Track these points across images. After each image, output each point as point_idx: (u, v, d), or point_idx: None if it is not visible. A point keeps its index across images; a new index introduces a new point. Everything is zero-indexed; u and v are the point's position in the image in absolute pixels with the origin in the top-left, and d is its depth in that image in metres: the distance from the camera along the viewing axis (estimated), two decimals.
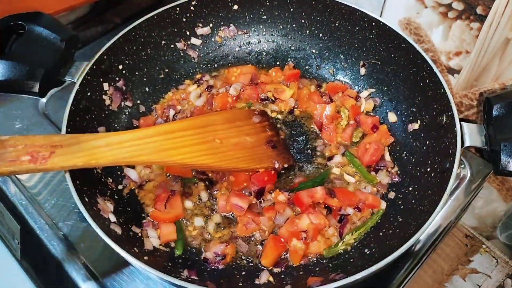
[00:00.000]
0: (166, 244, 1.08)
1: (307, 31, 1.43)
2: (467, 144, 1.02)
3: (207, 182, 1.19)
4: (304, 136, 1.31)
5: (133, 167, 1.19)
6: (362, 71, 1.38)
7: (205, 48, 1.45)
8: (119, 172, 1.18)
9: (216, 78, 1.43)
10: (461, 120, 1.04)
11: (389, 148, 1.26)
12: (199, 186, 1.19)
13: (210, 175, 1.20)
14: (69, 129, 1.05)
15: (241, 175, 1.17)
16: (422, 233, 0.92)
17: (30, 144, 0.84)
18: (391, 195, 1.17)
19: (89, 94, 1.17)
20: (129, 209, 1.12)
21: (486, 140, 1.03)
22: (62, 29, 1.17)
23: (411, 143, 1.22)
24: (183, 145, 1.03)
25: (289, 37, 1.46)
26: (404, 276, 1.11)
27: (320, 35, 1.42)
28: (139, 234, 1.07)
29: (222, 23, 1.44)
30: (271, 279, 1.02)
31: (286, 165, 1.18)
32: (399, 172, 1.21)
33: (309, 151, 1.28)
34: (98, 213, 0.99)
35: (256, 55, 1.49)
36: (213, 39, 1.46)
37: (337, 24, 1.37)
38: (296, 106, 1.36)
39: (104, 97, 1.23)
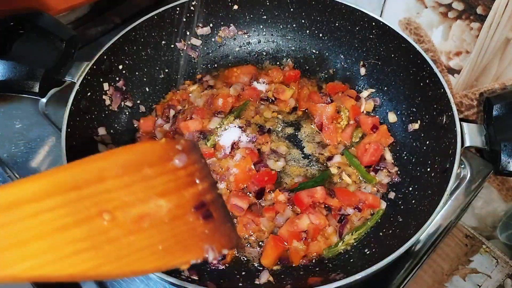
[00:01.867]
0: None
1: (307, 31, 1.43)
2: (467, 144, 1.02)
3: None
4: (304, 136, 1.31)
5: None
6: (362, 71, 1.38)
7: (205, 48, 1.45)
8: None
9: (216, 78, 1.43)
10: (461, 120, 1.04)
11: (389, 148, 1.26)
12: None
13: None
14: (69, 129, 1.05)
15: (241, 174, 1.17)
16: (422, 233, 0.92)
17: None
18: (391, 195, 1.17)
19: (89, 94, 1.17)
20: None
21: (486, 140, 1.03)
22: (62, 29, 1.17)
23: (411, 143, 1.22)
24: (34, 236, 0.52)
25: (289, 37, 1.46)
26: (404, 276, 1.11)
27: (320, 35, 1.42)
28: None
29: (222, 23, 1.44)
30: (271, 279, 1.02)
31: (226, 251, 0.65)
32: (399, 172, 1.21)
33: (309, 151, 1.28)
34: None
35: (256, 55, 1.49)
36: (213, 39, 1.46)
37: (337, 24, 1.37)
38: (296, 106, 1.36)
39: (104, 97, 1.23)
